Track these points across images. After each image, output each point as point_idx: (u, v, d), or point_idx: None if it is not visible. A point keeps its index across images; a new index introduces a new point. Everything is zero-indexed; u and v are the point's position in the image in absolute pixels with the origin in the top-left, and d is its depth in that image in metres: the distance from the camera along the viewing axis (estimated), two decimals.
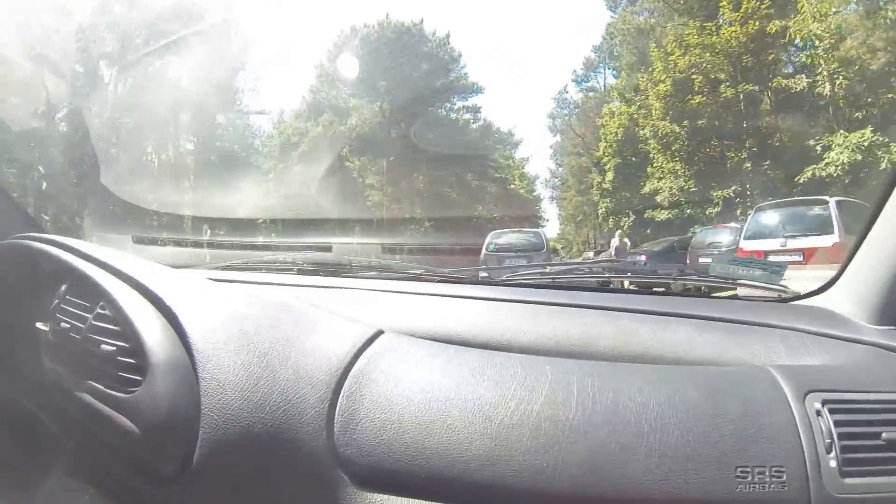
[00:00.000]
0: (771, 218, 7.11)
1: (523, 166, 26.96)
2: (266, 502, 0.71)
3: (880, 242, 0.93)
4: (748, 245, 6.97)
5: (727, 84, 16.27)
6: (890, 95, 13.43)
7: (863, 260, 0.97)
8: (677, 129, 17.13)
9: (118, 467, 0.84)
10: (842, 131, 13.13)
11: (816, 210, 6.51)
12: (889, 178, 0.91)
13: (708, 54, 16.25)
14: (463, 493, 0.65)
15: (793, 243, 6.34)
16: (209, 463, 0.69)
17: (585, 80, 26.79)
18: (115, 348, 0.81)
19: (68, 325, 0.92)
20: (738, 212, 14.75)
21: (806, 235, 6.34)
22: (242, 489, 0.70)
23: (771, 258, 5.92)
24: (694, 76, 16.57)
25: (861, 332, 0.88)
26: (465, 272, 1.41)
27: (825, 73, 13.82)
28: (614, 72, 24.84)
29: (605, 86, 25.88)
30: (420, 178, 23.09)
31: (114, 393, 0.79)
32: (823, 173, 12.87)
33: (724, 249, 8.43)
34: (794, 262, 5.83)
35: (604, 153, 22.01)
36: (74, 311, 0.93)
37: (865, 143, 12.34)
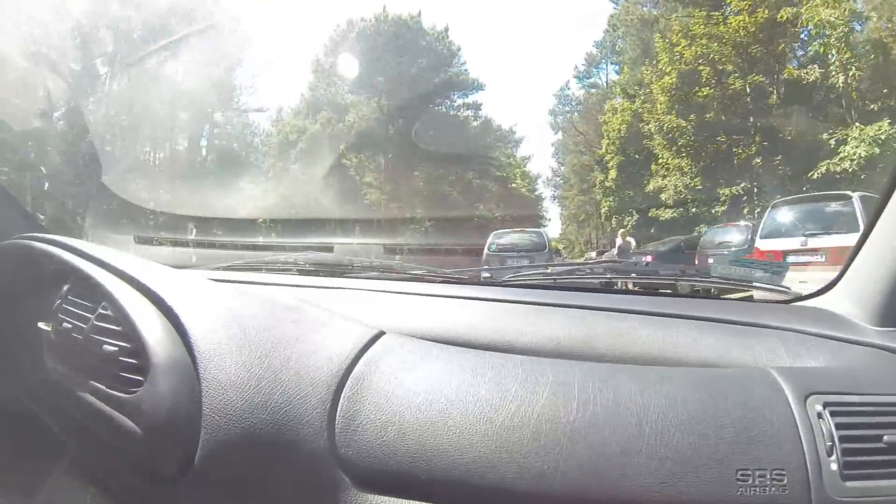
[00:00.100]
0: (789, 215, 6.58)
1: (524, 165, 26.88)
2: (267, 503, 0.71)
3: (882, 243, 0.93)
4: (765, 244, 6.47)
5: (736, 75, 15.58)
6: None
7: (864, 261, 0.97)
8: (683, 123, 16.54)
9: (119, 467, 0.84)
10: (857, 124, 12.45)
11: (839, 206, 5.96)
12: (891, 179, 0.91)
13: (715, 44, 15.54)
14: (463, 495, 0.65)
15: (814, 242, 5.79)
16: (210, 463, 0.69)
17: (587, 76, 26.62)
18: (116, 348, 0.82)
19: (70, 325, 0.92)
20: (746, 210, 14.39)
21: (828, 233, 5.79)
22: (243, 490, 0.71)
23: (790, 258, 5.69)
24: (701, 67, 15.89)
25: (863, 333, 0.88)
26: (467, 272, 1.41)
27: (838, 62, 13.08)
28: (616, 67, 24.66)
29: (607, 82, 25.71)
30: (420, 176, 22.94)
31: (115, 393, 0.79)
32: (838, 168, 12.24)
33: (734, 249, 8.04)
34: (816, 263, 5.50)
35: (606, 150, 21.62)
36: (76, 311, 0.93)
37: (883, 137, 11.66)
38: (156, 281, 0.88)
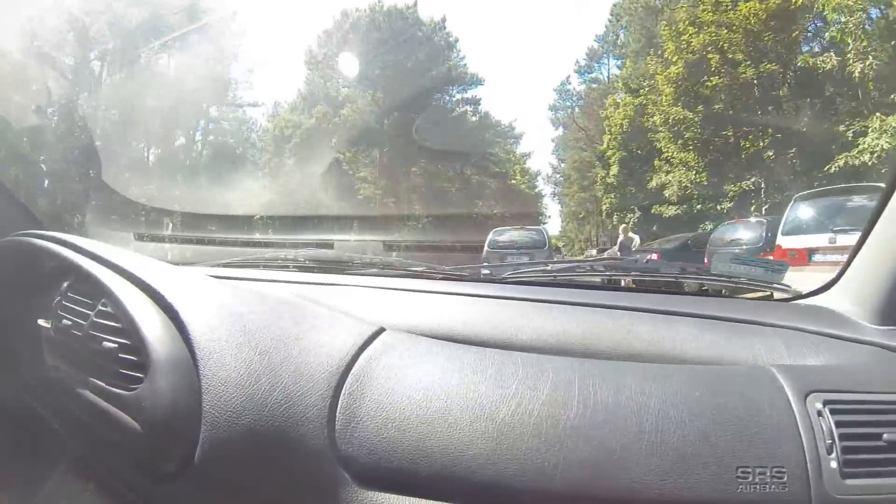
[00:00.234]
0: (814, 210, 6.01)
1: (524, 161, 26.70)
2: (267, 500, 0.71)
3: (882, 242, 0.93)
4: (788, 241, 5.92)
5: (747, 64, 14.54)
6: None
7: (864, 260, 0.97)
8: (690, 115, 15.66)
9: (119, 464, 0.84)
10: (878, 114, 11.47)
11: (868, 200, 5.30)
12: (891, 178, 0.91)
13: (725, 31, 14.51)
14: (464, 492, 0.65)
15: (844, 239, 5.14)
16: (210, 460, 0.69)
17: (589, 70, 26.41)
18: (116, 345, 0.82)
19: (70, 322, 0.92)
20: (753, 207, 13.88)
21: (860, 230, 5.35)
22: (243, 487, 0.71)
23: (816, 257, 5.39)
24: (710, 55, 14.92)
25: (863, 332, 0.88)
26: (467, 269, 1.41)
27: (855, 50, 11.96)
28: (619, 61, 24.34)
29: (609, 76, 25.43)
30: (417, 172, 22.76)
31: (115, 390, 0.79)
32: (857, 161, 11.34)
33: (746, 247, 7.44)
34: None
35: (608, 146, 21.07)
36: (76, 308, 0.93)
37: None
38: (155, 278, 0.87)
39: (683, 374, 0.75)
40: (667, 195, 16.95)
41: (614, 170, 20.70)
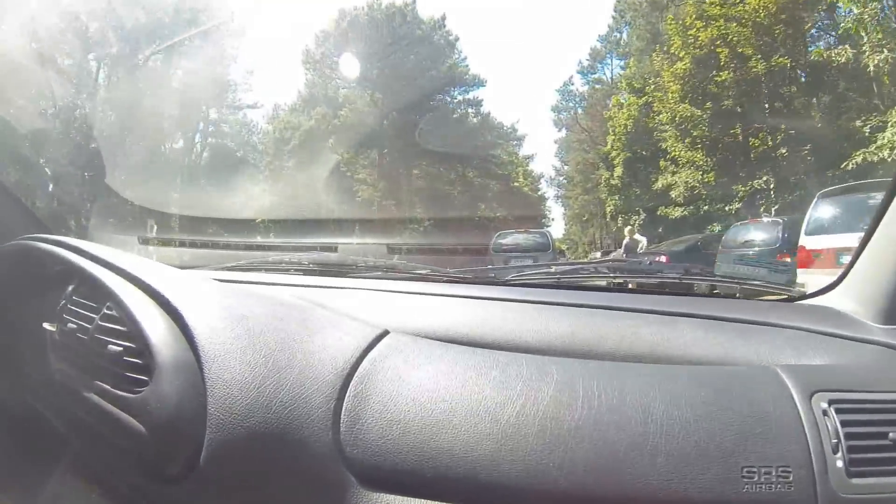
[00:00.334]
0: (839, 207, 5.53)
1: (527, 163, 26.47)
2: (272, 502, 0.71)
3: (886, 241, 0.93)
4: (812, 241, 5.47)
5: (758, 57, 13.98)
6: None
7: (869, 259, 0.97)
8: (698, 112, 15.22)
9: (124, 467, 0.84)
10: None
11: None
12: (895, 177, 0.91)
13: (734, 25, 13.98)
14: (468, 494, 0.65)
15: None
16: (215, 463, 0.69)
17: (592, 71, 26.01)
18: (121, 348, 0.82)
19: (75, 326, 0.92)
20: (763, 207, 13.42)
21: None
22: (248, 489, 0.71)
23: (845, 258, 4.85)
24: (718, 50, 14.33)
25: (867, 331, 0.88)
26: (471, 272, 1.41)
27: (870, 43, 11.45)
28: (622, 61, 23.96)
29: (612, 76, 25.06)
30: (419, 175, 22.59)
31: (120, 393, 0.79)
32: (875, 157, 10.91)
33: (760, 248, 7.08)
34: None
35: (612, 147, 20.65)
36: (81, 311, 0.94)
37: None
38: (160, 281, 0.88)
39: (688, 374, 0.75)
40: (673, 196, 16.59)
41: (618, 171, 20.43)
